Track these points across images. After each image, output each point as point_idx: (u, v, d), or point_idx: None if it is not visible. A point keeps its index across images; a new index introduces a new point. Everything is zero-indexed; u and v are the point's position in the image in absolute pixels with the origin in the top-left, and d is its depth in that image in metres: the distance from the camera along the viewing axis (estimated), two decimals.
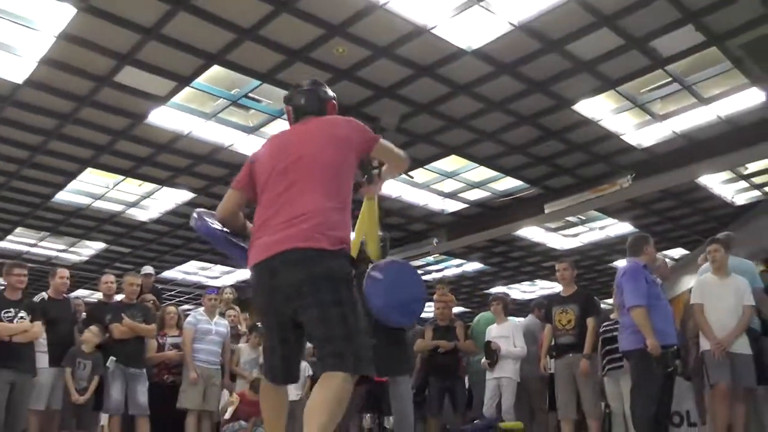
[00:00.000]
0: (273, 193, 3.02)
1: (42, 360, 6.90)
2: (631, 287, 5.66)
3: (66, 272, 7.56)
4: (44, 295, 7.40)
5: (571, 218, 15.07)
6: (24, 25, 8.04)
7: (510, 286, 20.35)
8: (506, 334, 8.09)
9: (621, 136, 11.09)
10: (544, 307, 7.79)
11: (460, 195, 13.84)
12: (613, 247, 16.66)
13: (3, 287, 6.85)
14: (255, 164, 3.24)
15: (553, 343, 7.22)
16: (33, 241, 16.82)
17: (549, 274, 17.83)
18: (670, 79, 9.41)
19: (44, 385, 6.86)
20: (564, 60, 8.87)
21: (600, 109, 10.32)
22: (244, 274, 18.84)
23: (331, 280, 2.85)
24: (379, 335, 4.00)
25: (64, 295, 7.57)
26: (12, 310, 6.46)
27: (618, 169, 12.20)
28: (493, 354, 7.96)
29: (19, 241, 16.66)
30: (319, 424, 2.64)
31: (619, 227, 15.59)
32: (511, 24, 8.11)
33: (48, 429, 7.09)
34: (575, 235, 16.39)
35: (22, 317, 6.48)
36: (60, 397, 6.86)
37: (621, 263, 17.95)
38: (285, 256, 2.86)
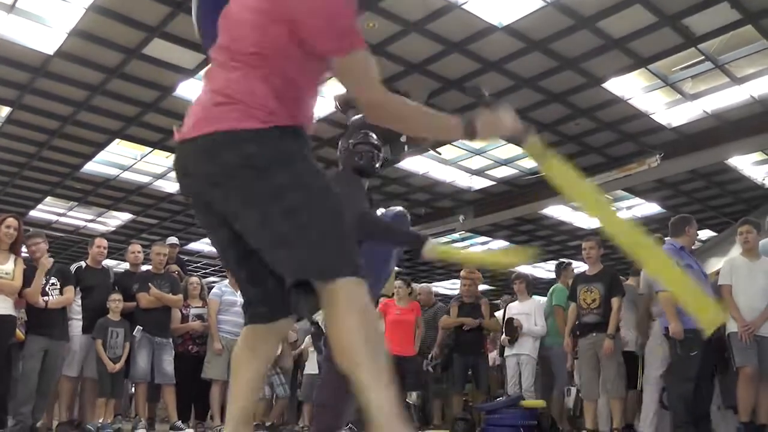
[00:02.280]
0: None
1: (75, 327, 6.99)
2: None
3: (104, 242, 7.61)
4: (82, 263, 7.50)
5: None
6: None
7: (535, 265, 20.26)
8: (527, 311, 8.09)
9: (650, 115, 10.97)
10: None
11: (488, 172, 13.79)
12: (640, 228, 16.49)
13: None
14: None
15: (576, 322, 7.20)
16: (62, 211, 17.05)
17: (575, 254, 17.71)
18: (702, 57, 9.27)
19: (77, 352, 6.95)
20: (595, 37, 8.77)
21: (630, 87, 10.20)
22: None
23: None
24: None
25: (102, 264, 7.63)
26: (45, 276, 6.50)
27: (647, 148, 12.09)
28: (514, 331, 7.97)
29: (49, 210, 16.90)
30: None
31: (646, 207, 15.47)
32: (543, 0, 8.01)
33: (78, 395, 7.22)
34: None
35: (53, 284, 6.55)
36: (93, 365, 6.94)
37: None
38: None
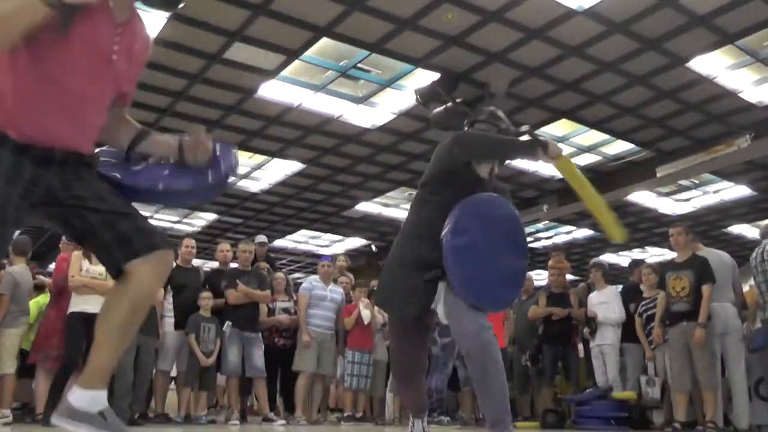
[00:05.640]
0: None
1: (168, 324, 7.28)
2: None
3: (192, 242, 7.90)
4: (173, 263, 7.74)
5: (683, 182, 14.47)
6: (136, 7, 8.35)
7: (620, 253, 19.81)
8: (606, 300, 7.94)
9: (739, 94, 10.55)
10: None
11: (571, 160, 13.52)
12: (729, 212, 15.95)
13: None
14: None
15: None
16: (149, 214, 17.62)
17: (661, 241, 17.27)
18: None
19: (170, 348, 7.23)
20: (678, 15, 8.48)
21: (716, 65, 9.82)
22: (354, 242, 19.19)
23: None
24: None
25: (192, 264, 7.88)
26: None
27: (735, 128, 11.62)
28: (590, 322, 7.85)
29: None
30: None
31: (735, 191, 14.88)
32: None
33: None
34: (688, 200, 15.74)
35: None
36: (185, 359, 7.20)
37: (737, 229, 17.33)
38: None
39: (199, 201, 2.63)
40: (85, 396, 2.23)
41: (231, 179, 2.59)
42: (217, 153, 2.50)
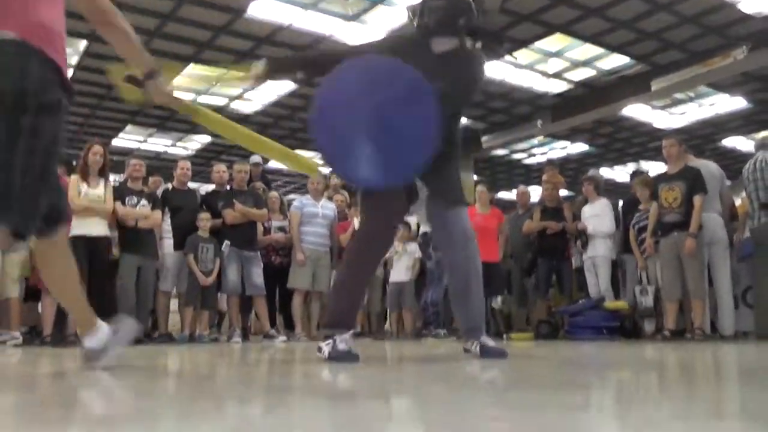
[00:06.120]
0: None
1: (167, 245, 7.39)
2: None
3: (187, 163, 7.96)
4: (168, 185, 7.82)
5: (678, 95, 14.42)
6: None
7: (615, 167, 19.89)
8: (598, 212, 8.01)
9: (736, 5, 10.41)
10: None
11: (565, 75, 13.44)
12: (724, 125, 15.94)
13: (126, 179, 7.24)
14: None
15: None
16: (142, 138, 17.58)
17: (655, 155, 17.30)
18: None
19: (170, 269, 7.35)
20: None
21: None
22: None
23: None
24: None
25: (188, 186, 7.95)
26: (135, 197, 6.86)
27: (732, 40, 11.51)
28: (582, 234, 7.96)
29: (130, 138, 17.46)
30: None
31: (731, 102, 14.87)
32: None
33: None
34: (682, 114, 15.72)
35: (143, 205, 6.88)
36: (185, 280, 7.32)
37: (732, 141, 17.34)
38: None
39: None
40: (93, 338, 2.73)
41: None
42: None
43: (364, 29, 11.17)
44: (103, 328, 2.75)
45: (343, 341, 3.23)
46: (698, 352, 4.67)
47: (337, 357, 3.16)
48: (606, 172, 19.00)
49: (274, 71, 3.63)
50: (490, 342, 3.58)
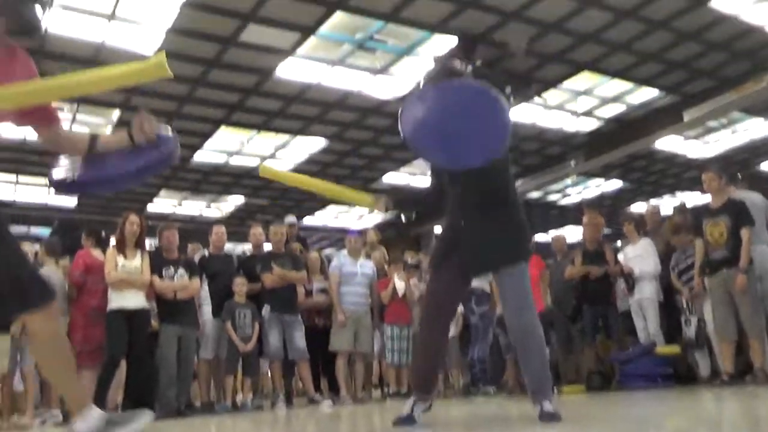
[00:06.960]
0: None
1: (206, 312, 7.33)
2: None
3: (222, 228, 7.92)
4: (205, 251, 7.79)
5: (712, 123, 14.22)
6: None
7: (651, 201, 19.57)
8: (640, 253, 7.76)
9: (765, 28, 10.32)
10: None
11: (595, 113, 13.35)
12: (760, 149, 15.65)
13: (159, 247, 7.17)
14: None
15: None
16: (176, 202, 17.74)
17: (692, 185, 17.04)
18: None
19: (210, 336, 7.28)
20: None
21: (740, 1, 9.55)
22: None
23: None
24: (466, 212, 3.70)
25: (224, 250, 7.92)
26: (171, 267, 6.79)
27: (763, 64, 11.35)
28: (627, 278, 7.70)
29: (165, 203, 17.62)
30: None
31: (765, 126, 14.59)
32: None
33: (216, 375, 7.52)
34: (716, 141, 15.46)
35: (181, 275, 6.82)
36: (225, 346, 7.23)
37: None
38: None
39: (160, 171, 3.04)
40: (83, 424, 2.58)
41: (177, 148, 3.02)
42: (161, 133, 2.94)
43: (392, 81, 11.21)
44: (94, 414, 2.60)
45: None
46: (764, 399, 4.43)
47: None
48: (643, 208, 18.74)
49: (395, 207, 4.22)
50: (548, 406, 3.44)
